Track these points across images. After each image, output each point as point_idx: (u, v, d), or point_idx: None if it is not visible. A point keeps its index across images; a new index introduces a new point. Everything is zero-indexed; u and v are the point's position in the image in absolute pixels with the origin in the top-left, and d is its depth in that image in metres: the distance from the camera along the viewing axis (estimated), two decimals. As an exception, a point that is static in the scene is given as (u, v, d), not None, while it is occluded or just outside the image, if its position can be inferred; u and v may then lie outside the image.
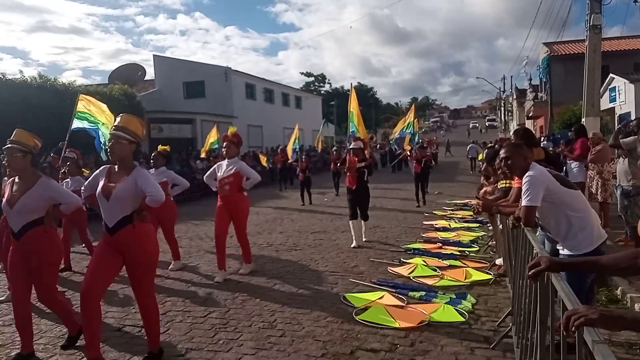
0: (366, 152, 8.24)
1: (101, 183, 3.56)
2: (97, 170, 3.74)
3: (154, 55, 30.93)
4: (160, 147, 7.15)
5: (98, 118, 8.01)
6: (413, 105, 16.28)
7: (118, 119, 3.64)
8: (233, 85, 29.49)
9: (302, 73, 78.16)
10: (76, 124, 7.94)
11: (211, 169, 6.37)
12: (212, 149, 17.87)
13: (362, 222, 7.91)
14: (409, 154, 14.25)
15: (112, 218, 3.49)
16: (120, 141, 3.52)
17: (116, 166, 3.63)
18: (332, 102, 57.43)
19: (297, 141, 17.31)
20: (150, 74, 29.62)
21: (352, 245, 7.49)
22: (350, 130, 8.71)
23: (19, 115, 12.59)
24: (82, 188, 3.94)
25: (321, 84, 76.53)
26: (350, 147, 7.98)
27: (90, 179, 3.79)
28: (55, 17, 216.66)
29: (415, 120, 16.16)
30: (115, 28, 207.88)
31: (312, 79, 75.52)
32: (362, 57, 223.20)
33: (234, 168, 6.00)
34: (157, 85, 30.06)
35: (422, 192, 12.84)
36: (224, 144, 6.15)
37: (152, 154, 7.11)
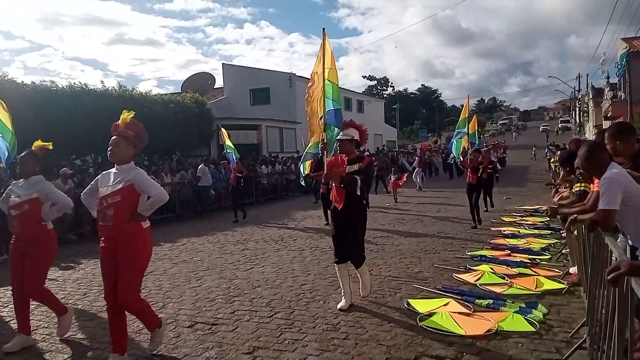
0: (366, 154, 5.89)
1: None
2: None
3: (223, 64, 32.25)
4: (36, 144, 4.64)
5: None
6: (467, 99, 12.26)
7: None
8: (297, 91, 30.02)
9: (364, 77, 78.44)
10: None
11: (91, 183, 4.10)
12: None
13: (356, 269, 5.10)
14: (461, 159, 11.48)
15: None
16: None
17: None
18: (395, 106, 56.89)
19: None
20: (219, 82, 30.86)
21: (340, 306, 4.84)
22: (328, 109, 5.31)
23: (101, 123, 13.57)
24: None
25: (384, 87, 76.11)
26: (337, 137, 5.11)
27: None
28: (132, 29, 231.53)
29: (473, 118, 13.44)
30: (186, 39, 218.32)
31: (374, 82, 75.27)
32: (424, 59, 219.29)
33: (126, 180, 3.71)
34: (225, 92, 31.23)
35: (486, 203, 11.61)
36: (112, 139, 3.79)
37: (20, 156, 4.65)
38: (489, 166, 11.56)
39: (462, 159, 11.20)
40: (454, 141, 12.30)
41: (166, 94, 21.72)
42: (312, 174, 5.96)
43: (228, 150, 12.34)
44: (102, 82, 16.90)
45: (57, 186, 10.21)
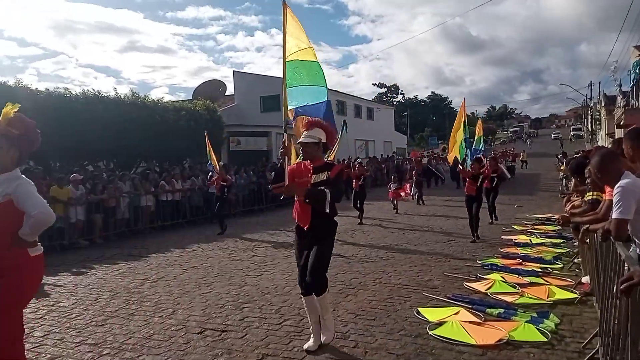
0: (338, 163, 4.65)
1: None
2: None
3: (234, 71, 32.58)
4: (5, 111, 3.10)
5: None
6: (463, 101, 11.15)
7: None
8: (307, 98, 30.16)
9: (374, 84, 78.35)
10: None
11: None
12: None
13: (318, 300, 4.04)
14: (459, 167, 10.79)
15: None
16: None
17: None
18: (405, 113, 56.84)
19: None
20: (230, 89, 31.07)
21: (306, 347, 4.03)
22: (303, 103, 4.51)
23: (113, 129, 13.73)
24: None
25: (394, 95, 76.13)
26: (300, 140, 4.15)
27: None
28: (144, 37, 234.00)
29: (478, 122, 12.87)
30: (198, 47, 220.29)
31: (384, 89, 75.32)
32: (434, 66, 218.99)
33: (4, 195, 2.97)
34: (236, 100, 31.43)
35: (491, 215, 11.01)
36: None
37: None
38: (493, 175, 11.18)
39: (460, 167, 10.74)
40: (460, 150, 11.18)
41: (177, 101, 21.92)
42: (272, 186, 4.36)
43: (209, 161, 11.95)
44: (115, 89, 17.19)
45: (70, 192, 10.40)
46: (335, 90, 36.24)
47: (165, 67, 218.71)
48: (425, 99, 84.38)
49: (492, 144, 62.58)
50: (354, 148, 33.80)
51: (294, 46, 4.37)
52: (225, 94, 30.10)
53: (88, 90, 14.76)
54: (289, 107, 4.44)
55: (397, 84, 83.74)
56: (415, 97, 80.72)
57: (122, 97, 15.66)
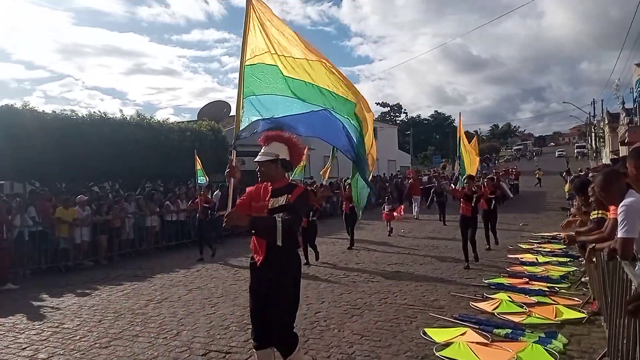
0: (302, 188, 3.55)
1: None
2: None
3: (237, 92, 32.80)
4: None
5: None
6: (459, 116, 10.86)
7: None
8: (310, 118, 30.32)
9: (377, 103, 78.55)
10: None
11: None
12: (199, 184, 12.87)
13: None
14: (452, 187, 10.25)
15: None
16: None
17: None
18: (408, 132, 57.03)
19: (302, 171, 11.91)
20: (233, 110, 31.32)
21: None
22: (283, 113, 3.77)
23: (119, 150, 13.83)
24: None
25: (397, 114, 76.50)
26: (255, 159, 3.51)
27: None
28: (150, 60, 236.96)
29: (473, 140, 12.28)
30: (203, 68, 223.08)
31: (387, 109, 75.75)
32: (436, 86, 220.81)
33: None
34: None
35: (489, 239, 10.14)
36: None
37: None
38: (490, 196, 10.31)
39: (452, 187, 10.15)
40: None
41: (183, 122, 22.07)
42: (218, 213, 4.05)
43: (199, 177, 11.80)
44: (120, 110, 17.37)
45: (76, 213, 10.43)
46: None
47: (170, 89, 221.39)
48: (429, 118, 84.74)
49: (496, 162, 62.53)
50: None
51: (264, 46, 3.61)
52: (230, 114, 30.34)
53: (94, 112, 14.92)
54: (255, 118, 3.65)
55: (400, 103, 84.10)
56: (419, 116, 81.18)
57: (128, 119, 15.82)
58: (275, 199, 3.37)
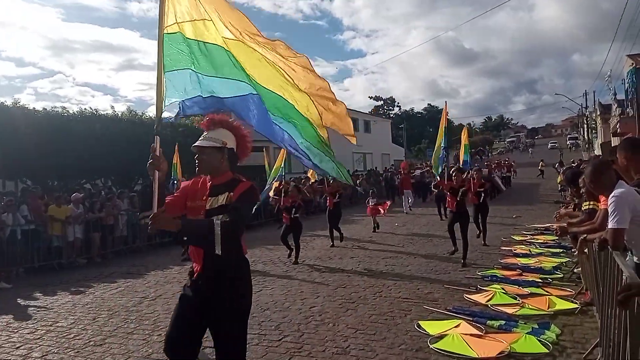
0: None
1: None
2: None
3: (229, 87, 32.71)
4: None
5: None
6: (445, 106, 10.56)
7: None
8: (304, 113, 30.29)
9: (370, 97, 78.51)
10: None
11: None
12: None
13: None
14: (437, 179, 9.73)
15: None
16: None
17: None
18: (402, 125, 57.09)
19: (282, 168, 11.07)
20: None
21: None
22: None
23: (111, 147, 13.75)
24: None
25: (390, 107, 76.44)
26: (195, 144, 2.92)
27: None
28: (141, 55, 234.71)
29: (464, 130, 11.79)
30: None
31: (380, 102, 75.70)
32: (429, 79, 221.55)
33: None
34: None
35: (478, 225, 9.58)
36: None
37: None
38: (480, 189, 9.79)
39: (438, 180, 9.68)
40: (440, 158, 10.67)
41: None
42: (141, 215, 3.24)
43: (173, 171, 10.76)
44: (112, 107, 17.27)
45: (69, 211, 10.37)
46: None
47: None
48: (422, 111, 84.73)
49: (490, 154, 62.75)
50: (351, 161, 33.92)
51: (195, 13, 2.92)
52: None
53: (85, 108, 14.88)
54: (192, 94, 3.01)
55: (393, 97, 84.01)
56: (412, 110, 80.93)
57: (119, 115, 15.75)
58: (215, 197, 2.80)
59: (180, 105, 3.02)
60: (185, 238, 2.79)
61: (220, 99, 3.05)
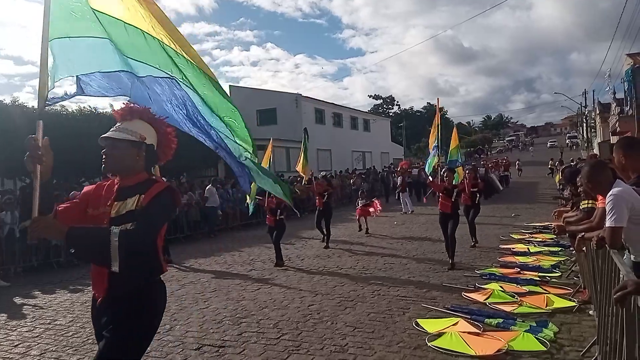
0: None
1: None
2: None
3: (230, 85, 32.72)
4: None
5: None
6: (437, 102, 10.46)
7: None
8: (303, 111, 30.31)
9: (370, 96, 78.48)
10: None
11: None
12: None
13: None
14: (430, 179, 9.68)
15: None
16: None
17: None
18: (401, 124, 57.05)
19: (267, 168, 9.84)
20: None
21: None
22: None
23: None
24: None
25: (389, 106, 76.38)
26: (104, 135, 2.41)
27: None
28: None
29: (453, 132, 11.60)
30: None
31: (380, 101, 75.63)
32: (428, 78, 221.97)
33: None
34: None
35: (473, 231, 9.36)
36: None
37: None
38: (473, 189, 9.60)
39: (430, 180, 9.58)
40: (428, 160, 10.55)
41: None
42: (21, 225, 2.53)
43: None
44: (111, 105, 17.12)
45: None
46: (332, 103, 36.47)
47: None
48: (421, 110, 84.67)
49: (489, 152, 62.75)
50: (350, 159, 33.92)
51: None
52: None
53: (84, 107, 14.83)
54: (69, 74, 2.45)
55: (393, 96, 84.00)
56: (411, 108, 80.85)
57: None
58: (122, 202, 2.29)
59: (77, 83, 2.47)
60: (72, 250, 2.18)
61: (135, 77, 2.52)
